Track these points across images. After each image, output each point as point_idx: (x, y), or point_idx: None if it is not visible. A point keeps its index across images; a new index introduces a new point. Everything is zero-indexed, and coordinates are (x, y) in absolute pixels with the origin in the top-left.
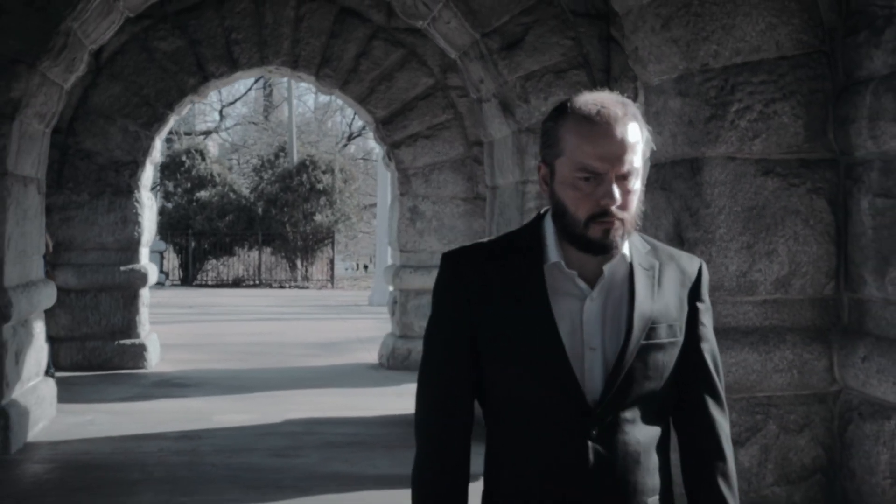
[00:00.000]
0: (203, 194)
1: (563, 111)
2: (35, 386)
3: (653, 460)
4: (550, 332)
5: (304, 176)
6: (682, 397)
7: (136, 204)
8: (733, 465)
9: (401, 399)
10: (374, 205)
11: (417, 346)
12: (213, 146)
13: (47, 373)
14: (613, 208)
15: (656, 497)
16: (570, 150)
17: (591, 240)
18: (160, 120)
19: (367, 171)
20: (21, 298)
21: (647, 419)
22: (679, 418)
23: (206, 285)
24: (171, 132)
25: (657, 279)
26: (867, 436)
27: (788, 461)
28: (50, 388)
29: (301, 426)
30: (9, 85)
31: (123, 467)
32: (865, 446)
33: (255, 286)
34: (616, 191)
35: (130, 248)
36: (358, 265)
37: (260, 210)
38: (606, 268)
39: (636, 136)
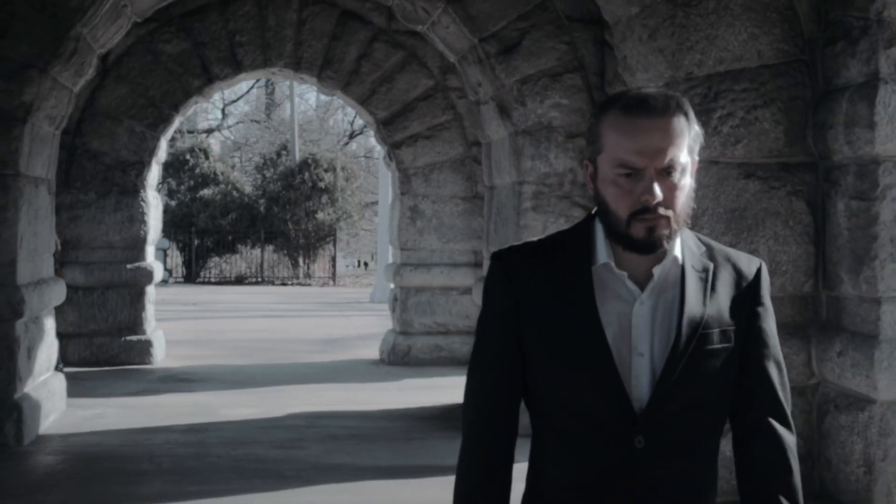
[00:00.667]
0: (206, 192)
1: (605, 106)
2: (46, 380)
3: (700, 472)
4: (597, 337)
5: (306, 174)
6: (742, 407)
7: (142, 203)
8: (798, 481)
9: (401, 394)
10: (376, 202)
11: (417, 343)
12: (215, 144)
13: (57, 368)
14: (656, 205)
15: None
16: (610, 146)
17: (635, 238)
18: (166, 121)
19: (368, 168)
20: (33, 296)
21: (697, 428)
22: (738, 428)
23: (210, 283)
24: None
25: (711, 282)
26: (842, 426)
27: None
28: (60, 382)
29: (303, 419)
30: (21, 89)
31: (133, 458)
32: (841, 436)
33: (257, 283)
34: (657, 187)
35: (137, 247)
36: (360, 262)
37: (262, 208)
38: (657, 269)
39: (679, 130)
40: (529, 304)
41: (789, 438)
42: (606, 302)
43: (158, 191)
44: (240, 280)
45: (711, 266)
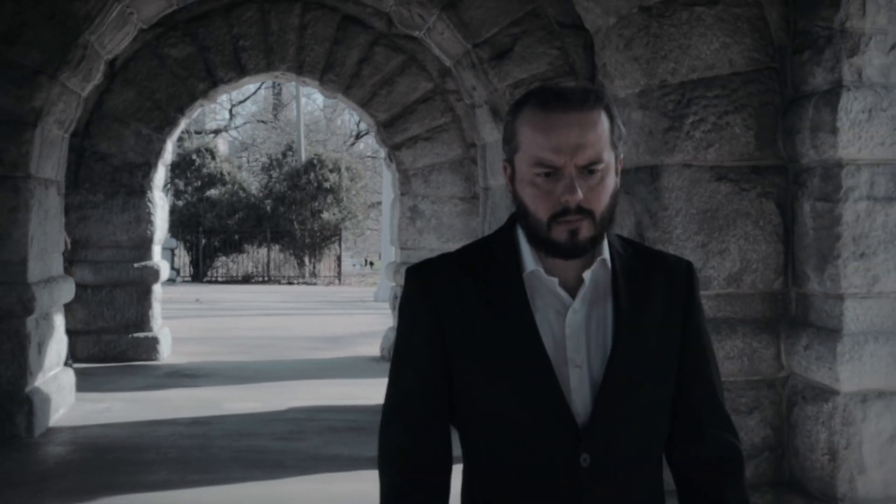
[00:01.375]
0: (213, 192)
1: (520, 102)
2: (56, 375)
3: (651, 486)
4: (535, 348)
5: (312, 174)
6: (680, 413)
7: (148, 204)
8: (744, 487)
9: None
10: (381, 202)
11: None
12: (222, 144)
13: (66, 363)
14: (577, 205)
15: None
16: (526, 144)
17: (557, 243)
18: (171, 123)
19: (374, 169)
20: (43, 293)
21: (644, 440)
22: (678, 435)
23: (216, 282)
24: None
25: (643, 284)
26: (809, 417)
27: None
28: (69, 377)
29: (304, 413)
30: (31, 94)
31: (140, 449)
32: (808, 426)
33: (263, 282)
34: (578, 185)
35: (143, 246)
36: (366, 261)
37: (269, 208)
38: (586, 275)
39: (600, 124)
40: (456, 319)
41: (733, 442)
42: (538, 312)
43: (165, 191)
44: (246, 279)
45: (642, 268)
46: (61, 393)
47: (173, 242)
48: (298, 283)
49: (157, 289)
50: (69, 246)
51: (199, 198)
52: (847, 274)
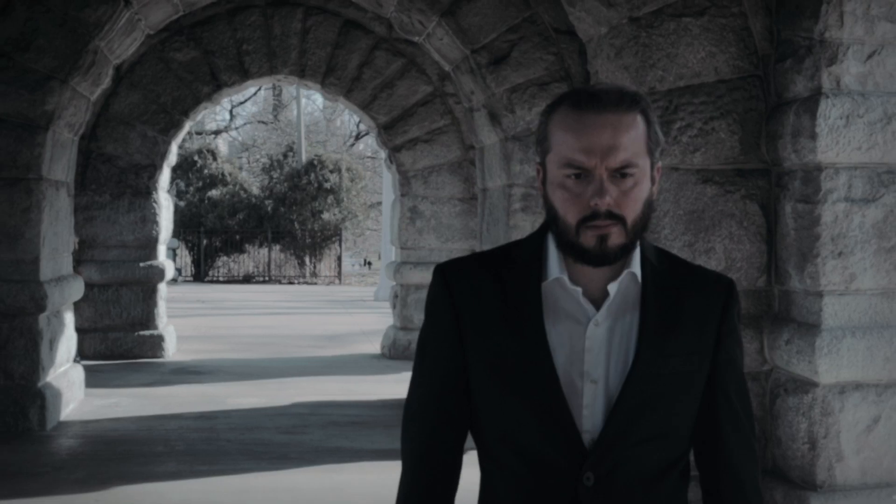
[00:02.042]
0: (214, 193)
1: (555, 103)
2: (66, 371)
3: None
4: (542, 361)
5: (312, 175)
6: (703, 441)
7: (154, 204)
8: None
9: (399, 385)
10: (381, 202)
11: (416, 337)
12: (222, 144)
13: (74, 360)
14: (607, 210)
15: None
16: (557, 145)
17: (585, 248)
18: (176, 126)
19: (374, 169)
20: (54, 291)
21: (655, 465)
22: (699, 462)
23: (218, 281)
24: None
25: (673, 301)
26: (790, 408)
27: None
28: (79, 373)
29: (307, 408)
30: (44, 99)
31: (148, 442)
32: (789, 417)
33: (264, 282)
34: (609, 189)
35: (149, 246)
36: (365, 261)
37: (269, 208)
38: (612, 286)
39: (634, 127)
40: (473, 323)
41: (751, 465)
42: (558, 322)
43: (169, 193)
44: (247, 279)
45: (675, 283)
46: (71, 388)
47: (175, 242)
48: (299, 283)
49: (163, 288)
50: (76, 245)
51: (201, 198)
52: (826, 272)
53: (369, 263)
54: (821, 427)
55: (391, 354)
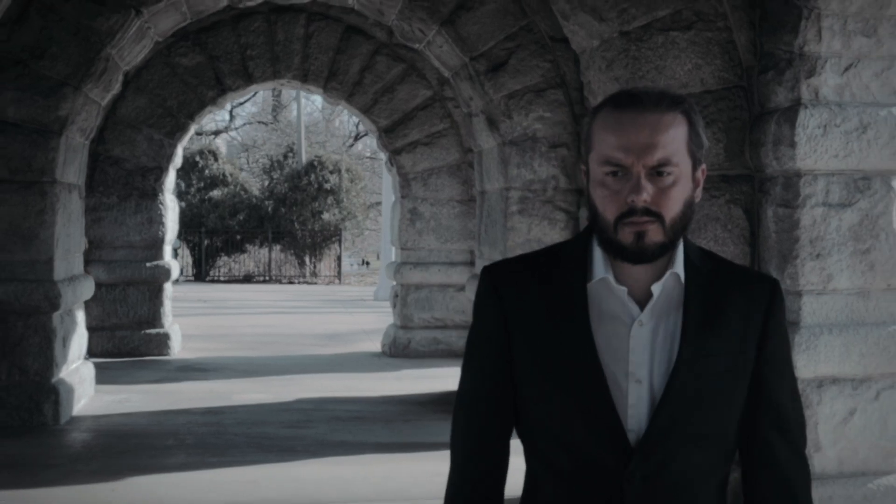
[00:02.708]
0: (216, 193)
1: (599, 105)
2: (77, 367)
3: None
4: (590, 360)
5: (313, 176)
6: (749, 441)
7: (160, 206)
8: None
9: (399, 382)
10: (380, 203)
11: (417, 336)
12: (221, 144)
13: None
14: (644, 207)
15: None
16: (598, 144)
17: (623, 244)
18: (182, 129)
19: (373, 169)
20: (67, 290)
21: (699, 464)
22: (746, 463)
23: (219, 281)
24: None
25: (717, 300)
26: None
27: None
28: (89, 369)
29: (311, 404)
30: (57, 105)
31: (159, 435)
32: None
33: (265, 282)
34: (645, 186)
35: (155, 246)
36: (363, 261)
37: (270, 209)
38: (655, 287)
39: (674, 127)
40: (519, 323)
41: (801, 473)
42: (602, 322)
43: (174, 194)
44: (248, 278)
45: (718, 283)
46: (83, 384)
47: (176, 242)
48: (299, 283)
49: (168, 287)
50: (86, 246)
51: (202, 198)
52: (804, 273)
53: (367, 263)
54: None
55: (391, 352)
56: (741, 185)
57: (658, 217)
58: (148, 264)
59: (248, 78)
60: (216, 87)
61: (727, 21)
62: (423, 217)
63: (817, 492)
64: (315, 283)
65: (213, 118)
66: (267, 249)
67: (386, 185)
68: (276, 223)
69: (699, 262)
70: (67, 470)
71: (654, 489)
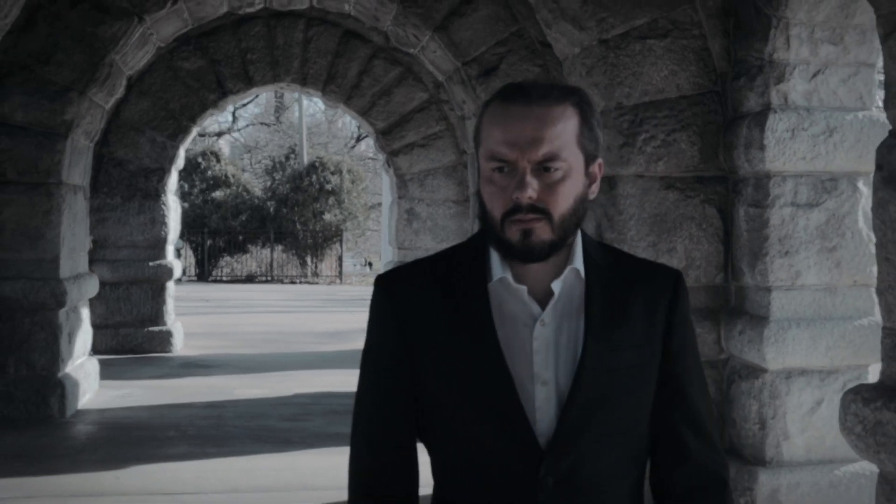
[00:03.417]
0: (218, 194)
1: (489, 99)
2: (82, 363)
3: None
4: (496, 364)
5: (314, 177)
6: (660, 438)
7: (162, 206)
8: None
9: None
10: (381, 204)
11: None
12: (224, 146)
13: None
14: (530, 203)
15: None
16: (485, 139)
17: (510, 243)
18: (184, 131)
19: (375, 170)
20: (73, 288)
21: (614, 463)
22: (658, 462)
23: (221, 281)
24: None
25: (619, 295)
26: (743, 392)
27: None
28: (94, 365)
29: (309, 398)
30: (63, 109)
31: (161, 428)
32: (742, 400)
33: (267, 282)
34: (531, 182)
35: (158, 246)
36: (365, 261)
37: (272, 209)
38: (556, 284)
39: (562, 121)
40: (419, 331)
41: (716, 467)
42: (504, 324)
43: (176, 195)
44: (250, 278)
45: (620, 277)
46: (87, 379)
47: (179, 243)
48: (301, 283)
49: (171, 286)
50: (90, 246)
51: (205, 199)
52: (774, 269)
53: (370, 264)
54: (769, 409)
55: None
56: (715, 186)
57: (545, 214)
58: (151, 263)
59: (248, 81)
60: (217, 91)
61: (702, 29)
62: (419, 217)
63: (786, 478)
64: (316, 283)
65: (216, 120)
66: (269, 250)
67: (385, 186)
68: (277, 224)
69: (599, 256)
70: (74, 459)
71: (567, 492)
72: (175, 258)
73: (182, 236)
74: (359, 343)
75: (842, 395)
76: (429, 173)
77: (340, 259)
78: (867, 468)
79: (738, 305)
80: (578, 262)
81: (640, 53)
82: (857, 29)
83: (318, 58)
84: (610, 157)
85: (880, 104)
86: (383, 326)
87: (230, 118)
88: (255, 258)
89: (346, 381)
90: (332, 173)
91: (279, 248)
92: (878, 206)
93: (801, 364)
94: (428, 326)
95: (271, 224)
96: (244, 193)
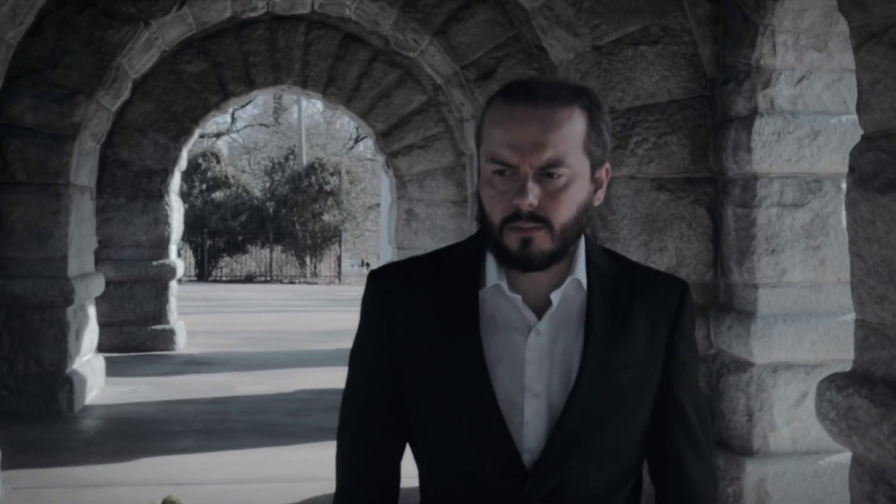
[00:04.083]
0: (218, 195)
1: (492, 96)
2: (89, 360)
3: None
4: (478, 374)
5: (313, 178)
6: (657, 456)
7: (166, 207)
8: None
9: None
10: (380, 204)
11: None
12: (223, 146)
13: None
14: (530, 211)
15: None
16: (486, 139)
17: (508, 250)
18: (187, 133)
19: (373, 171)
20: (80, 286)
21: (603, 483)
22: (654, 480)
23: (221, 281)
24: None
25: (622, 308)
26: (731, 385)
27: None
28: (100, 362)
29: (310, 395)
30: (72, 111)
31: (167, 422)
32: (730, 393)
33: (266, 282)
34: (532, 188)
35: (161, 246)
36: (362, 262)
37: (271, 210)
38: (555, 295)
39: (568, 124)
40: (407, 332)
41: (710, 488)
42: (496, 332)
43: (179, 196)
44: (249, 278)
45: (624, 289)
46: (94, 376)
47: (179, 243)
48: (300, 283)
49: (174, 285)
50: (95, 245)
51: (204, 200)
52: (760, 267)
53: (367, 264)
54: (756, 401)
55: None
56: (705, 187)
57: (545, 223)
58: (154, 263)
59: (250, 84)
60: (220, 93)
61: (692, 36)
62: (418, 217)
63: (772, 468)
64: (315, 283)
65: (215, 121)
66: (268, 250)
67: (384, 187)
68: (277, 224)
69: (603, 265)
70: (83, 452)
71: None
72: (178, 258)
73: (182, 237)
74: None
75: (817, 383)
76: (427, 174)
77: (339, 259)
78: (850, 458)
79: (727, 302)
80: (581, 271)
81: (632, 59)
82: (840, 36)
83: (318, 61)
84: None
85: None
86: (372, 324)
87: (229, 119)
88: (255, 258)
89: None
90: (332, 174)
91: (278, 248)
92: (850, 205)
93: (786, 358)
94: (415, 328)
95: (270, 224)
96: (244, 194)
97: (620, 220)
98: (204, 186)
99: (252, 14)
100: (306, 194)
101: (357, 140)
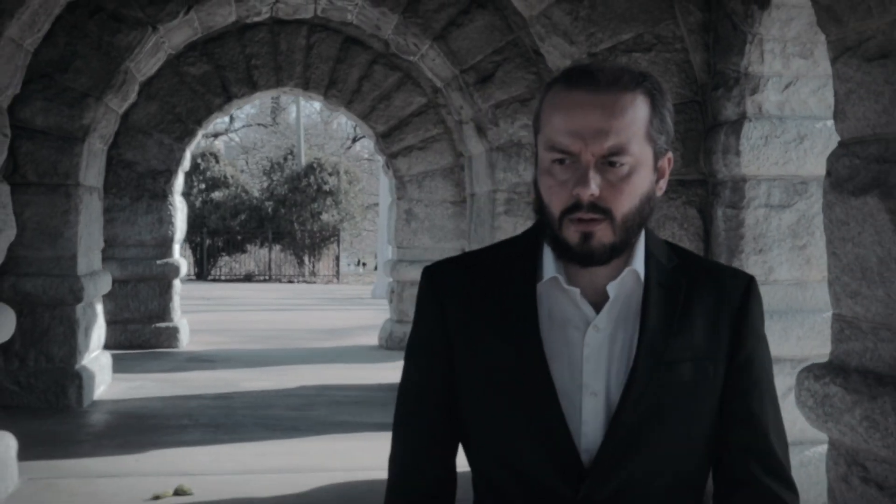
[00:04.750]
0: (217, 195)
1: (552, 81)
2: (97, 356)
3: None
4: (539, 372)
5: (312, 178)
6: (724, 457)
7: (169, 207)
8: None
9: (395, 372)
10: (378, 204)
11: (411, 329)
12: (220, 146)
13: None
14: (591, 202)
15: None
16: (545, 126)
17: (568, 244)
18: (190, 134)
19: (371, 171)
20: (89, 284)
21: (666, 486)
22: (719, 484)
23: (220, 280)
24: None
25: (682, 302)
26: None
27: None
28: (108, 358)
29: (313, 390)
30: (81, 114)
31: (174, 416)
32: None
33: (265, 281)
34: (594, 177)
35: (165, 245)
36: (358, 261)
37: (270, 210)
38: (611, 287)
39: (631, 110)
40: (463, 329)
41: (784, 496)
42: (553, 327)
43: (182, 196)
44: (248, 278)
45: (684, 282)
46: (102, 372)
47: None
48: (298, 282)
49: (177, 283)
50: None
51: (204, 200)
52: (749, 266)
53: (364, 264)
54: None
55: (388, 345)
56: (696, 189)
57: (607, 213)
58: (158, 262)
59: (252, 86)
60: (223, 95)
61: (684, 43)
62: (417, 217)
63: None
64: (314, 283)
65: (213, 120)
66: (267, 249)
67: (383, 187)
68: (275, 224)
69: (663, 257)
70: (95, 445)
71: None
72: (181, 257)
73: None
74: (357, 340)
75: (797, 373)
76: (427, 175)
77: (338, 259)
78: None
79: None
80: (639, 263)
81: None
82: (825, 45)
83: (320, 63)
84: None
85: None
86: (428, 320)
87: (227, 119)
88: (254, 258)
89: (347, 374)
90: (330, 174)
91: (277, 247)
92: (827, 207)
93: (774, 353)
94: (471, 324)
95: (269, 224)
96: (243, 194)
97: None
98: (203, 186)
99: (256, 18)
100: (305, 194)
101: (354, 140)
